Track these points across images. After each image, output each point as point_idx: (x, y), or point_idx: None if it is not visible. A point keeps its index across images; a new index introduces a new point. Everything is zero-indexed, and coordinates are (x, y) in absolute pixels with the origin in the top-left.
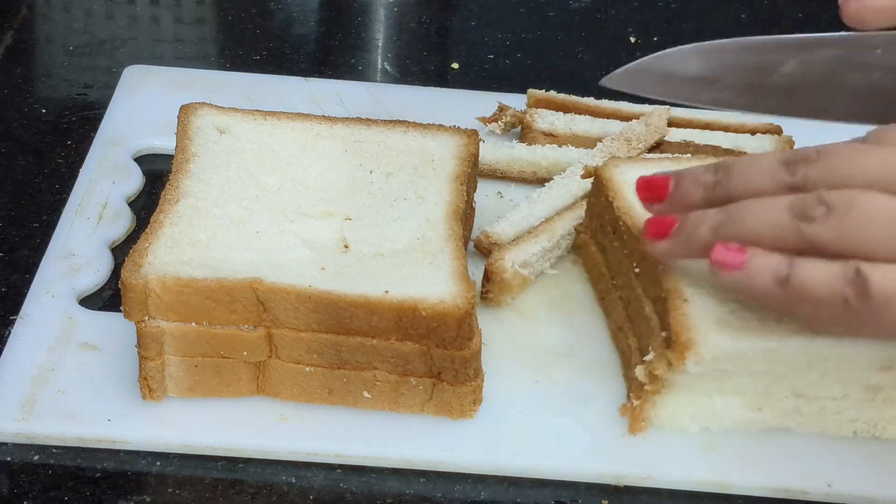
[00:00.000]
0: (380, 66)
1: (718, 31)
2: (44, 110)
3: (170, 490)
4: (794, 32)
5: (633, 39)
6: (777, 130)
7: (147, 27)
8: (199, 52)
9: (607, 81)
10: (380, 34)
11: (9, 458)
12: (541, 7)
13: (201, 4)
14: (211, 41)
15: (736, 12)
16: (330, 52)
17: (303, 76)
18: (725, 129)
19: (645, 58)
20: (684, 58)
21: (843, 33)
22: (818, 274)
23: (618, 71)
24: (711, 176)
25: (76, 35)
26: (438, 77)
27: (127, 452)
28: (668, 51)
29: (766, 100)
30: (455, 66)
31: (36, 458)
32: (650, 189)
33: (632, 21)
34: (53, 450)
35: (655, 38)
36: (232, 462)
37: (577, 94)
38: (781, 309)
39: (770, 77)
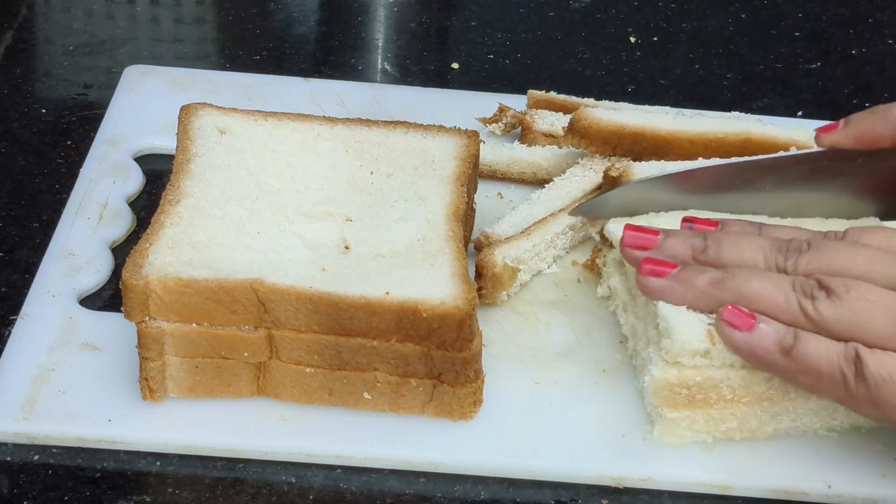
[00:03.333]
0: (380, 66)
1: (718, 30)
2: (44, 110)
3: (170, 490)
4: (794, 32)
5: (633, 39)
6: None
7: (147, 27)
8: (199, 52)
9: (573, 213)
10: (380, 34)
11: (9, 458)
12: (541, 7)
13: (201, 4)
14: (211, 41)
15: (736, 12)
16: (330, 52)
17: (303, 76)
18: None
19: (612, 191)
20: (652, 187)
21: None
22: (821, 348)
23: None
24: (701, 241)
25: (76, 35)
26: (438, 77)
27: (127, 452)
28: (634, 183)
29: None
30: (455, 66)
31: (36, 458)
32: (638, 238)
33: (632, 21)
34: (53, 450)
35: (655, 38)
36: (232, 462)
37: (577, 95)
38: (781, 376)
39: (743, 195)
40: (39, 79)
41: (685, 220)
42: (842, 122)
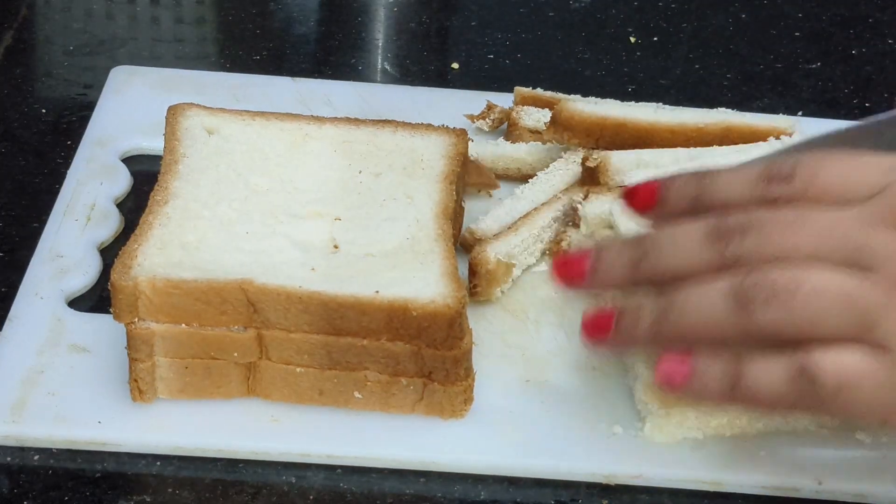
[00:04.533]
0: (380, 66)
1: (718, 30)
2: (44, 110)
3: (170, 490)
4: (794, 32)
5: (633, 39)
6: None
7: (147, 27)
8: (199, 52)
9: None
10: (380, 34)
11: (8, 459)
12: (541, 7)
13: (201, 4)
14: (211, 41)
15: (736, 12)
16: (330, 52)
17: (303, 76)
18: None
19: None
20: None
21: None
22: (766, 376)
23: None
24: (632, 251)
25: (76, 35)
26: (438, 77)
27: (128, 454)
28: None
29: None
30: (455, 66)
31: (36, 458)
32: (568, 270)
33: (632, 21)
34: (54, 450)
35: (655, 38)
36: (232, 462)
37: (578, 95)
38: (737, 408)
39: None
40: (39, 79)
41: (624, 193)
42: None
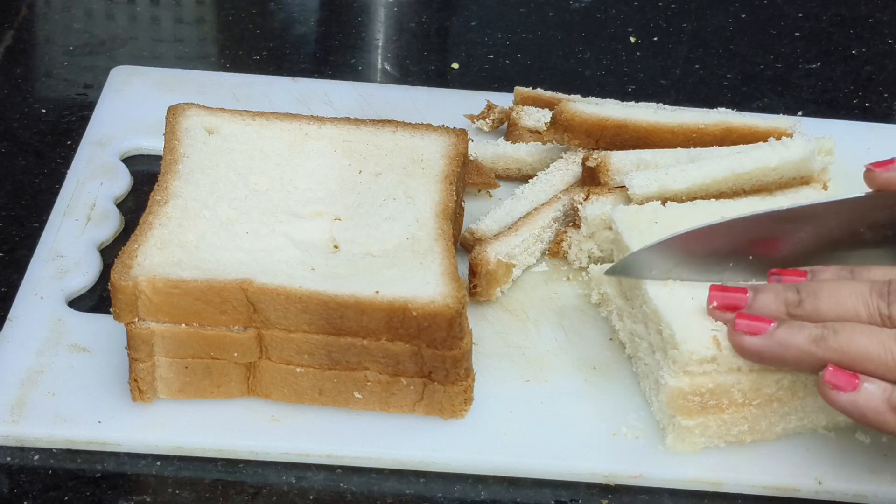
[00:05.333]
0: (380, 66)
1: (718, 30)
2: (44, 110)
3: (170, 490)
4: (794, 32)
5: (633, 39)
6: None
7: (147, 27)
8: (199, 52)
9: (611, 272)
10: (380, 34)
11: (8, 459)
12: (541, 7)
13: (201, 4)
14: (211, 41)
15: (736, 12)
16: (330, 52)
17: (303, 76)
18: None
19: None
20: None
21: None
22: None
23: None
24: (794, 294)
25: (76, 35)
26: (438, 77)
27: (128, 454)
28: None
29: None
30: (455, 66)
31: (36, 458)
32: (727, 298)
33: (632, 21)
34: (54, 450)
35: (655, 38)
36: (232, 462)
37: (578, 95)
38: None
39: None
40: (39, 79)
41: (772, 273)
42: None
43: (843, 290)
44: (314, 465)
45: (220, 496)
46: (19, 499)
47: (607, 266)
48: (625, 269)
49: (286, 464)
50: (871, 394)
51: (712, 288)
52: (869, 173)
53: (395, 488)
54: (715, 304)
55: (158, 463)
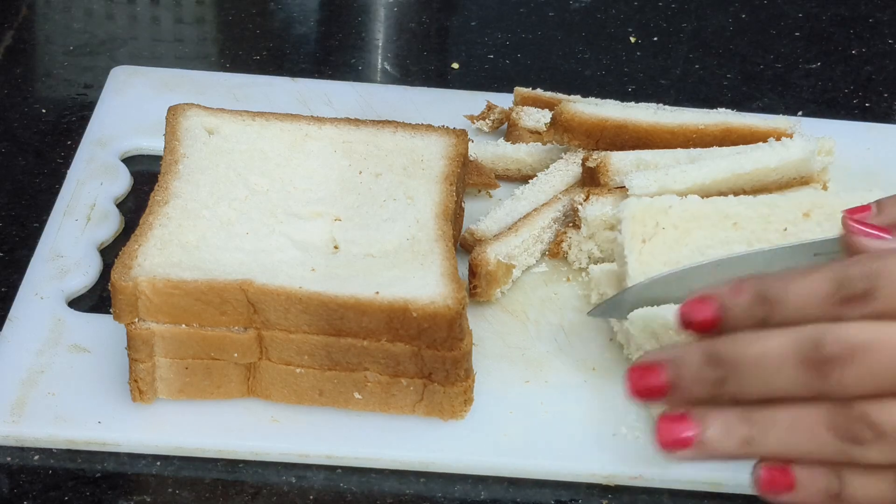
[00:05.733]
0: (380, 66)
1: (718, 30)
2: (44, 110)
3: (170, 490)
4: (794, 32)
5: (633, 39)
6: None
7: (147, 27)
8: (199, 52)
9: (591, 314)
10: (380, 34)
11: (8, 459)
12: (541, 7)
13: (201, 4)
14: (211, 41)
15: (736, 12)
16: (330, 52)
17: (303, 76)
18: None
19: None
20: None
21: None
22: (871, 491)
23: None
24: (713, 372)
25: (76, 35)
26: (438, 77)
27: (127, 453)
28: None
29: None
30: (455, 66)
31: (36, 458)
32: (644, 382)
33: (632, 21)
34: (54, 450)
35: (655, 38)
36: (232, 463)
37: (578, 95)
38: None
39: None
40: (39, 79)
41: (681, 315)
42: (873, 206)
43: (767, 365)
44: (314, 465)
45: (220, 496)
46: (19, 499)
47: (606, 266)
48: (607, 311)
49: (286, 464)
50: (807, 491)
51: (630, 371)
52: (846, 222)
53: (395, 488)
54: (632, 390)
55: (158, 463)
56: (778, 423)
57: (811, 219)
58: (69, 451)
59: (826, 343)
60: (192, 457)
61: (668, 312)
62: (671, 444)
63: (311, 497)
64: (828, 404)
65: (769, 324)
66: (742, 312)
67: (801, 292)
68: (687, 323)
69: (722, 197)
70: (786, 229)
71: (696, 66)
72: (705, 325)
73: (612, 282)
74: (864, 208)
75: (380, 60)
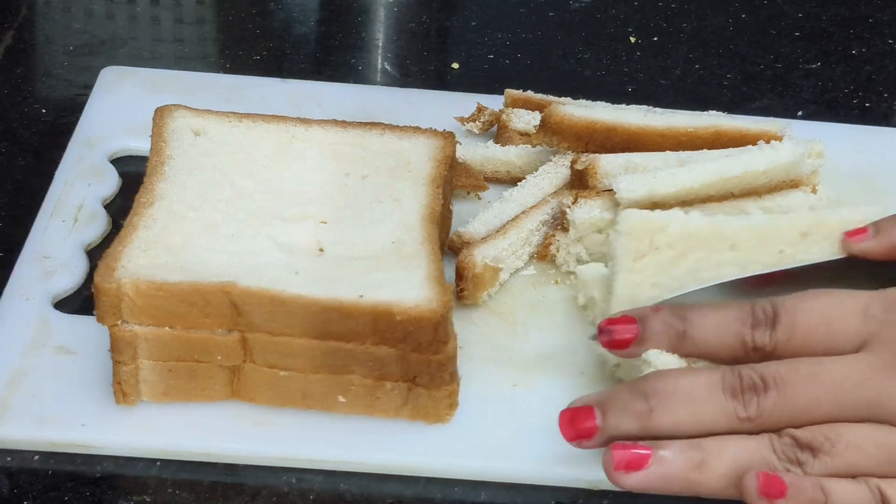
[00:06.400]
0: (380, 67)
1: (718, 30)
2: (44, 110)
3: (169, 491)
4: (794, 32)
5: (633, 39)
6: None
7: (147, 27)
8: (199, 52)
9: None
10: (380, 34)
11: (9, 459)
12: (541, 7)
13: (201, 4)
14: (211, 41)
15: (736, 12)
16: (330, 52)
17: (303, 77)
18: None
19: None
20: None
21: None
22: (851, 497)
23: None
24: (642, 403)
25: (76, 35)
26: (438, 77)
27: (126, 456)
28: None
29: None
30: (455, 66)
31: (36, 459)
32: (576, 427)
33: (632, 21)
34: (54, 451)
35: (655, 38)
36: (231, 464)
37: (577, 95)
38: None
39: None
40: (39, 79)
41: (599, 331)
42: (870, 228)
43: (694, 392)
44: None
45: (219, 497)
46: (19, 499)
47: (594, 266)
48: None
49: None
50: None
51: (562, 416)
52: (845, 244)
53: (394, 489)
54: (567, 434)
55: (158, 464)
56: (721, 448)
57: (809, 238)
58: (69, 452)
59: (742, 377)
60: (187, 460)
61: None
62: (629, 465)
63: (311, 498)
64: (754, 437)
65: (681, 346)
66: (657, 335)
67: (713, 316)
68: (604, 337)
69: (723, 215)
70: (781, 251)
71: (696, 67)
72: (622, 341)
73: (599, 284)
74: (861, 231)
75: (380, 61)
